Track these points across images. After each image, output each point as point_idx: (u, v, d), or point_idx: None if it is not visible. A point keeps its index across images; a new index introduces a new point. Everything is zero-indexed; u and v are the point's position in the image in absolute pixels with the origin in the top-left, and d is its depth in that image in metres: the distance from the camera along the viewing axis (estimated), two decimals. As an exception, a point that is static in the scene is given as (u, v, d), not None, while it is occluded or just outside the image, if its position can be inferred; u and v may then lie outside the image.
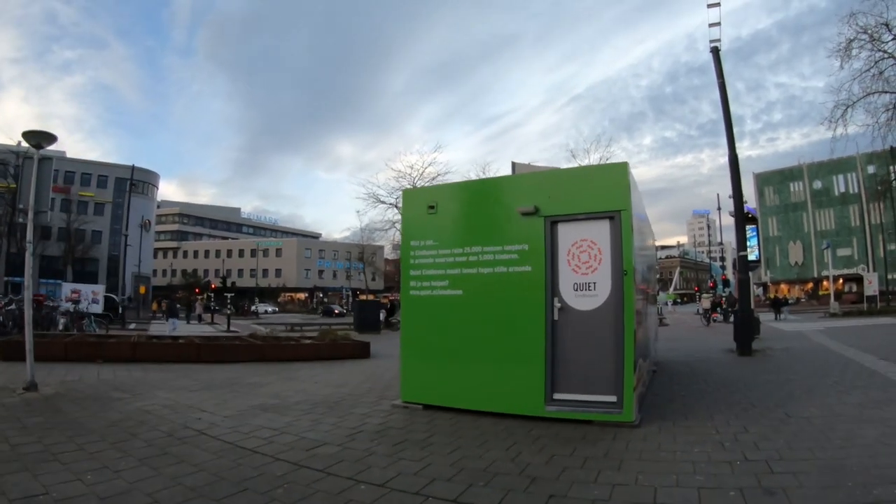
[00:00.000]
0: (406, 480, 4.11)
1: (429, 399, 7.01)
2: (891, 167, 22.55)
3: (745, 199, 17.58)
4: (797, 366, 10.01)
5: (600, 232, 6.21)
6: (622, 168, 6.17)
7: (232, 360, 11.12)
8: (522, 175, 6.78)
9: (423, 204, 7.31)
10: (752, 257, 16.84)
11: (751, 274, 17.39)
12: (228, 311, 32.54)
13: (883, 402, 6.34)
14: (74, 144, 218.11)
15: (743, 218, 12.39)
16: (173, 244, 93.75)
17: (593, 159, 28.37)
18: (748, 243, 17.03)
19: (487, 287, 6.71)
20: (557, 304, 6.34)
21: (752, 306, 16.36)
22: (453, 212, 7.09)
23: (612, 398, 5.97)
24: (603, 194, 6.23)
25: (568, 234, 6.40)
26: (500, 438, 5.44)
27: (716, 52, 12.17)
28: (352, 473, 4.25)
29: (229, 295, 36.30)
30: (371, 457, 4.71)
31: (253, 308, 60.56)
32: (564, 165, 30.28)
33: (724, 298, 28.68)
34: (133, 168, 57.74)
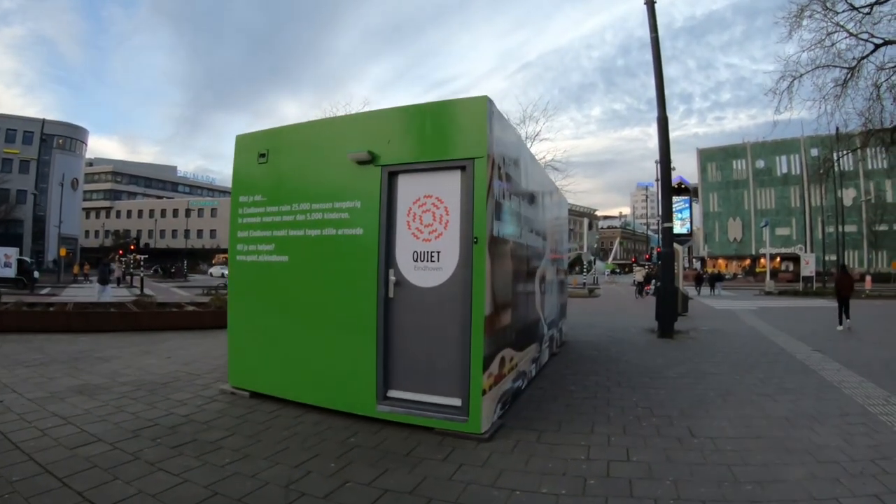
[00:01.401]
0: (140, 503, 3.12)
1: (255, 385, 5.45)
2: (834, 150, 20.63)
3: (676, 169, 15.77)
4: (720, 355, 8.49)
5: (449, 187, 4.52)
6: (480, 104, 4.43)
7: (103, 328, 9.31)
8: (360, 114, 4.68)
9: (255, 151, 5.23)
10: (681, 230, 15.05)
11: (685, 247, 15.51)
12: (141, 274, 29.66)
13: (816, 416, 4.93)
14: (12, 100, 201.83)
15: (669, 186, 10.66)
16: (106, 204, 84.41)
17: (537, 128, 25.75)
18: (679, 215, 15.25)
19: (315, 253, 4.99)
20: (393, 278, 4.61)
21: (680, 281, 14.46)
22: (285, 161, 5.21)
23: (457, 401, 4.44)
24: (454, 138, 4.53)
25: (409, 190, 4.55)
26: (306, 447, 4.10)
27: (651, 4, 10.07)
28: (90, 485, 3.31)
29: (142, 257, 33.51)
30: (131, 463, 3.71)
31: (181, 269, 53.44)
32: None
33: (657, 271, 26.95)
34: (60, 124, 52.74)
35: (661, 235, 10.91)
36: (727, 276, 48.91)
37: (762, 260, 49.18)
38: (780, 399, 5.48)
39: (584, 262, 42.05)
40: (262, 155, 5.38)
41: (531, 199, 5.92)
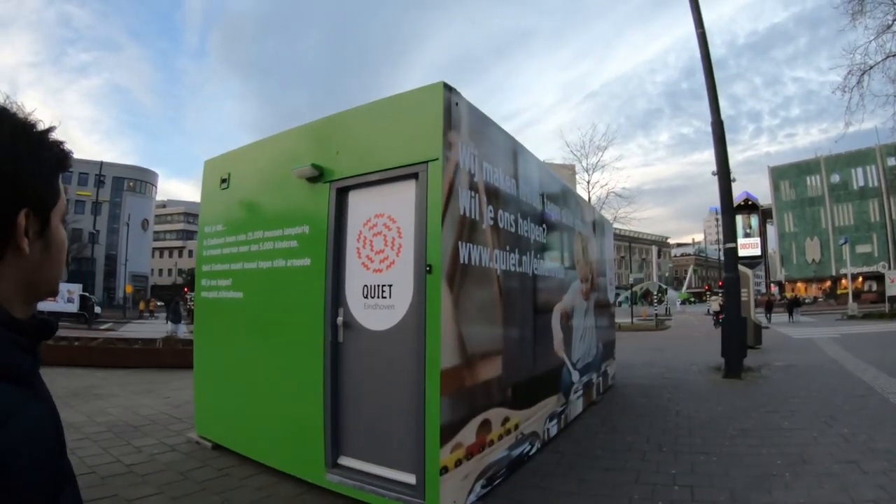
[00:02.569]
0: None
1: (217, 436, 4.57)
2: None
3: (755, 195, 13.34)
4: (794, 400, 6.40)
5: (401, 202, 3.35)
6: (433, 92, 3.34)
7: (125, 365, 8.94)
8: (309, 124, 3.60)
9: (219, 177, 4.34)
10: (749, 252, 12.52)
11: (754, 270, 12.94)
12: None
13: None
14: (91, 146, 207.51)
15: (729, 199, 8.65)
16: (178, 243, 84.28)
17: (601, 157, 23.80)
18: (745, 235, 12.77)
19: (266, 289, 4.03)
20: (341, 319, 3.32)
21: (751, 309, 11.92)
22: (242, 185, 4.41)
23: (411, 479, 3.23)
24: (405, 139, 3.40)
25: (360, 208, 3.44)
26: None
27: None
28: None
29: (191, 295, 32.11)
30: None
31: None
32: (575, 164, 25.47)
33: None
34: (131, 167, 53.96)
35: (724, 258, 8.81)
36: (806, 301, 42.28)
37: (843, 281, 42.30)
38: (869, 468, 3.72)
39: (655, 293, 37.89)
40: (224, 180, 4.56)
41: (538, 217, 4.55)
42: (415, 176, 3.24)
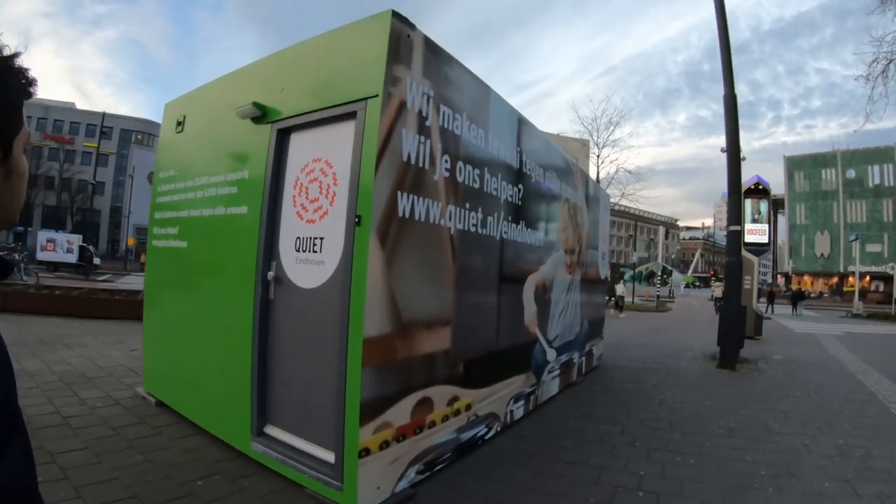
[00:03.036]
0: None
1: (161, 393, 4.17)
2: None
3: (770, 184, 12.26)
4: (789, 399, 5.74)
5: (340, 145, 2.92)
6: (379, 22, 2.73)
7: (105, 316, 8.76)
8: (260, 60, 3.02)
9: (174, 119, 3.85)
10: (756, 238, 11.58)
11: (762, 260, 12.09)
12: None
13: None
14: (104, 98, 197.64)
15: (737, 178, 7.85)
16: None
17: (611, 132, 22.53)
18: (753, 221, 11.81)
19: (206, 238, 3.59)
20: (272, 274, 2.74)
21: (754, 299, 11.09)
22: (195, 127, 3.95)
23: (330, 457, 2.72)
24: (348, 74, 2.89)
25: (300, 152, 2.93)
26: (140, 482, 2.79)
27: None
28: None
29: None
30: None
31: None
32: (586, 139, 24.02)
33: None
34: (138, 120, 50.97)
35: (727, 241, 8.03)
36: (811, 295, 40.34)
37: (850, 278, 40.24)
38: (864, 491, 3.13)
39: (659, 274, 36.44)
40: (179, 123, 4.05)
41: (513, 176, 3.97)
42: (353, 115, 2.68)
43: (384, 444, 2.63)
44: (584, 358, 6.30)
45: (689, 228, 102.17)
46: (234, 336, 3.16)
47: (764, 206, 11.56)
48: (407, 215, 2.68)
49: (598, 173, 22.30)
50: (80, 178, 45.37)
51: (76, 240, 25.06)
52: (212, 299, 3.44)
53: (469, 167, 3.24)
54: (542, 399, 4.82)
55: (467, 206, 3.21)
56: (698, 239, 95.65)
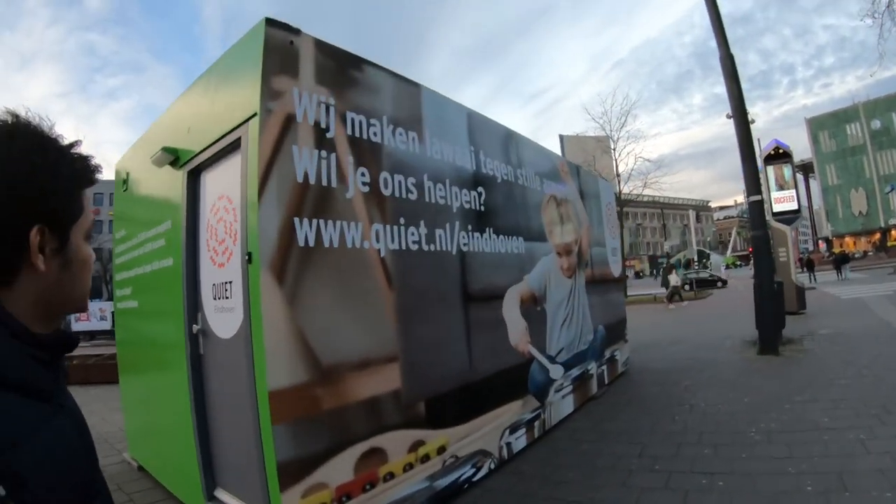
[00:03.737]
0: None
1: (141, 457, 3.80)
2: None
3: (791, 150, 11.05)
4: (839, 383, 4.69)
5: (234, 177, 2.13)
6: (254, 34, 2.31)
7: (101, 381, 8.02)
8: (173, 102, 2.68)
9: (121, 178, 3.64)
10: (785, 206, 10.29)
11: (801, 229, 10.73)
12: None
13: None
14: None
15: (748, 142, 6.79)
16: None
17: (623, 122, 21.49)
18: (779, 188, 10.56)
19: (148, 296, 3.29)
20: (196, 327, 2.29)
21: (792, 270, 9.78)
22: (134, 183, 3.50)
23: None
24: (230, 97, 2.41)
25: (210, 191, 2.50)
26: None
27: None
28: None
29: None
30: None
31: None
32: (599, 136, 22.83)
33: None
34: None
35: (749, 212, 7.05)
36: (855, 256, 36.33)
37: (893, 232, 36.01)
38: None
39: (695, 259, 33.84)
40: (124, 181, 3.76)
41: (469, 179, 3.45)
42: (238, 142, 2.26)
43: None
44: (604, 367, 5.46)
45: (722, 208, 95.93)
46: (179, 395, 2.76)
47: (788, 171, 10.28)
48: (312, 243, 2.20)
49: (616, 167, 21.23)
50: (108, 246, 47.12)
51: (108, 307, 24.11)
52: (159, 358, 3.08)
53: (399, 178, 2.73)
54: (551, 423, 4.11)
55: (402, 221, 2.69)
56: (733, 217, 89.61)
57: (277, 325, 2.06)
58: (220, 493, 2.60)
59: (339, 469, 2.22)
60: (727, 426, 3.78)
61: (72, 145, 0.59)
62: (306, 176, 2.23)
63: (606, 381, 5.47)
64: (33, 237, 0.53)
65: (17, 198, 0.53)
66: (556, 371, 4.25)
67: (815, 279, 20.30)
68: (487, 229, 3.51)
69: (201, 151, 2.58)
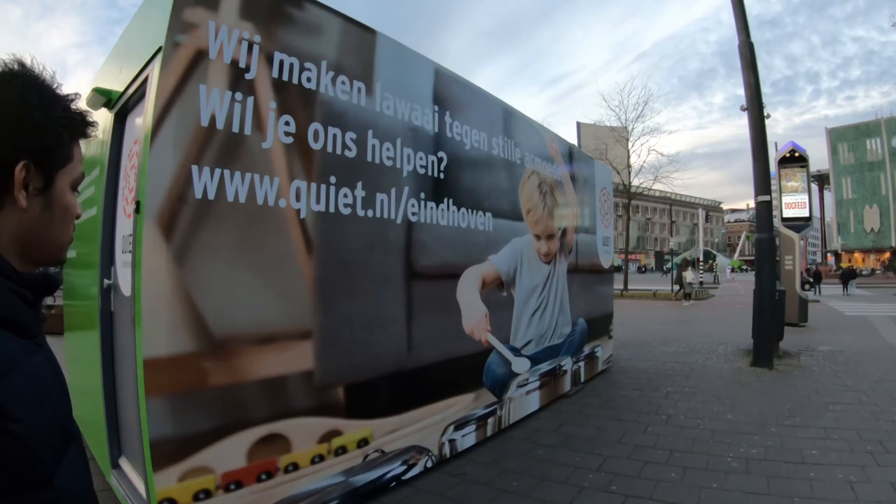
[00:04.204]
0: None
1: (75, 413, 3.28)
2: None
3: (808, 155, 10.20)
4: (836, 407, 4.21)
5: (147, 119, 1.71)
6: None
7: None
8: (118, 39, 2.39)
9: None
10: (795, 213, 9.47)
11: (801, 235, 9.95)
12: None
13: None
14: None
15: (762, 137, 6.16)
16: None
17: (640, 112, 20.70)
18: (788, 192, 9.72)
19: (79, 246, 3.06)
20: (107, 282, 2.40)
21: (797, 280, 9.04)
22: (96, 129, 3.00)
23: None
24: (144, 31, 2.17)
25: (130, 135, 2.16)
26: None
27: None
28: None
29: None
30: None
31: None
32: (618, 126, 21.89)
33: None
34: None
35: (756, 213, 6.44)
36: (863, 272, 34.26)
37: None
38: None
39: (701, 259, 32.29)
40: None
41: (428, 141, 3.06)
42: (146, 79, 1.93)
43: (201, 495, 1.82)
44: (581, 363, 5.03)
45: (733, 211, 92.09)
46: (93, 354, 2.51)
47: (802, 175, 9.43)
48: (211, 196, 1.86)
49: (628, 158, 20.33)
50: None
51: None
52: (83, 313, 2.84)
53: (334, 131, 2.35)
54: (509, 420, 3.73)
55: (332, 181, 2.32)
56: (744, 221, 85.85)
57: (159, 286, 1.75)
58: (123, 462, 2.35)
59: (228, 454, 1.92)
60: (702, 446, 3.35)
61: (69, 96, 0.59)
62: (213, 119, 1.88)
63: (583, 379, 5.05)
64: (18, 171, 0.54)
65: (7, 131, 0.53)
66: (520, 364, 3.86)
67: (820, 292, 19.23)
68: (446, 200, 3.10)
69: (124, 92, 2.27)
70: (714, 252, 44.94)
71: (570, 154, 5.07)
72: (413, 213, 2.80)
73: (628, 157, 20.33)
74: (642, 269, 53.31)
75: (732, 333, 8.43)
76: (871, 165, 42.63)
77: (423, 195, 2.88)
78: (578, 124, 44.77)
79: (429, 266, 2.95)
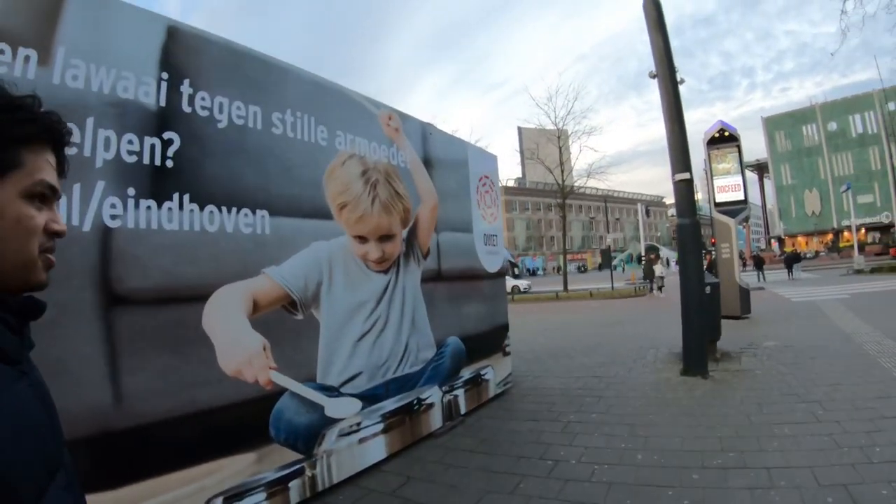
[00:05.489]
0: None
1: None
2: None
3: (744, 142, 9.86)
4: (783, 429, 3.22)
5: None
6: None
7: None
8: None
9: None
10: (729, 196, 9.09)
11: (737, 220, 9.51)
12: None
13: None
14: None
15: (677, 107, 5.33)
16: None
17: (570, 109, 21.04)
18: (720, 175, 9.33)
19: None
20: None
21: (736, 270, 8.55)
22: None
23: None
24: None
25: None
26: None
27: None
28: None
29: None
30: None
31: None
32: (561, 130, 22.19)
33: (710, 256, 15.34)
34: None
35: (675, 195, 5.62)
36: (807, 255, 36.26)
37: (846, 233, 36.49)
38: None
39: (642, 254, 32.99)
40: None
41: (151, 117, 2.01)
42: None
43: None
44: (459, 392, 3.95)
45: (672, 205, 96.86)
46: None
47: (734, 156, 9.09)
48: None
49: (560, 156, 20.14)
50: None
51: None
52: None
53: None
54: (332, 479, 2.66)
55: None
56: None
57: None
58: None
59: None
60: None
61: (23, 99, 0.54)
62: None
63: (463, 411, 3.98)
64: None
65: None
66: (339, 407, 2.73)
67: (764, 278, 19.55)
68: (176, 196, 2.01)
69: None
70: (658, 246, 46.50)
71: (424, 135, 3.97)
72: (113, 217, 1.82)
73: (560, 155, 20.08)
74: (582, 269, 54.39)
75: (666, 334, 7.42)
76: (809, 151, 45.25)
77: (132, 191, 1.89)
78: (520, 129, 44.98)
79: (145, 289, 1.91)
